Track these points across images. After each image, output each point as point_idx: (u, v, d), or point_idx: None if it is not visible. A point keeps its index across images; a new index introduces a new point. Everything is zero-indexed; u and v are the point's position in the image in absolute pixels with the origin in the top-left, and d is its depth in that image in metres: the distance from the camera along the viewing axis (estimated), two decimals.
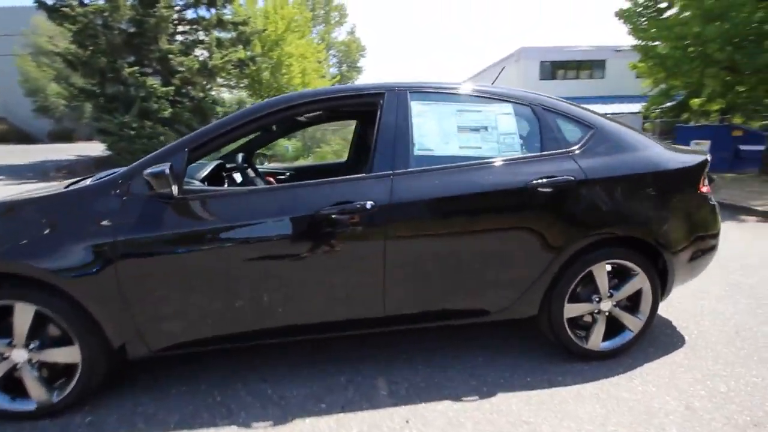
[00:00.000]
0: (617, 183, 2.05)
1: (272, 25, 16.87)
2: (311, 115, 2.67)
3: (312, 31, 23.84)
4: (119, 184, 1.80)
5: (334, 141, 14.33)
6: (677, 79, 11.34)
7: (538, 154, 2.03)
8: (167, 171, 1.67)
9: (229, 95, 17.07)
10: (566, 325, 2.12)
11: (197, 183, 2.09)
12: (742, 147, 11.67)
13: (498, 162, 1.97)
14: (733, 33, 9.70)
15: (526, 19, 77.78)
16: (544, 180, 1.95)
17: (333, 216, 1.79)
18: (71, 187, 1.93)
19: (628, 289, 2.16)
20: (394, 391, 1.98)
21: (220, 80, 15.61)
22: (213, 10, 14.63)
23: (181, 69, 13.76)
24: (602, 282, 2.12)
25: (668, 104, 17.89)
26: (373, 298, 1.91)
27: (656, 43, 11.08)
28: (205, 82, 14.36)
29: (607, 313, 2.17)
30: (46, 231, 1.71)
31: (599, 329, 2.17)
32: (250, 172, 2.52)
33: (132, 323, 1.78)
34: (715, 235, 2.31)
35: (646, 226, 2.07)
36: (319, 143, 14.39)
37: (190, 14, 14.78)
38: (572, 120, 2.13)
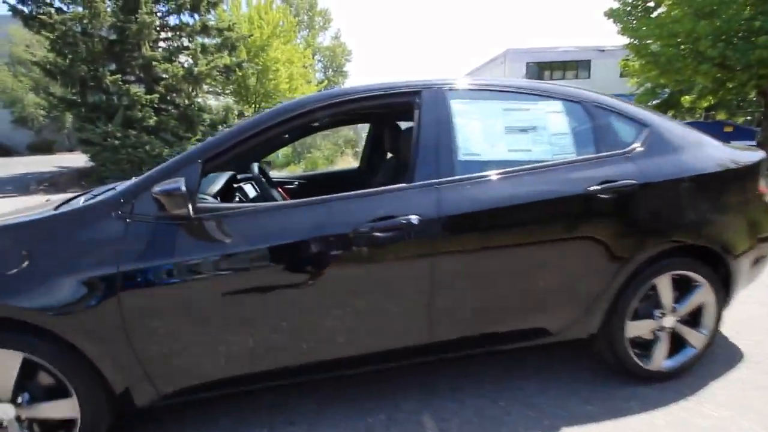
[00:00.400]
0: (681, 185, 1.84)
1: (257, 31, 16.56)
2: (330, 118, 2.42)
3: (297, 36, 23.54)
4: (121, 203, 1.53)
5: (325, 146, 14.07)
6: (670, 76, 11.38)
7: (594, 156, 1.82)
8: (182, 188, 1.41)
9: (215, 102, 16.67)
10: (628, 345, 1.91)
11: (210, 199, 1.83)
12: (733, 143, 11.76)
13: (552, 166, 1.75)
14: (725, 29, 9.76)
15: (513, 20, 78.62)
16: (605, 185, 1.74)
17: (374, 234, 1.55)
18: (62, 209, 1.65)
19: (693, 302, 1.96)
20: (444, 430, 1.73)
21: (205, 87, 15.23)
22: (197, 16, 14.28)
23: (165, 76, 13.37)
24: (666, 296, 1.92)
25: (654, 102, 18.11)
26: (419, 323, 1.67)
27: (648, 41, 11.10)
28: (190, 89, 13.96)
29: (670, 330, 1.96)
30: (32, 263, 1.43)
31: (662, 348, 1.96)
32: (265, 184, 2.23)
33: (138, 364, 1.50)
34: None
35: (713, 232, 1.87)
36: (310, 149, 14.09)
37: (173, 20, 14.41)
38: (626, 117, 1.93)
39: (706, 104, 15.17)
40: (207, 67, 13.54)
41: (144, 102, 12.44)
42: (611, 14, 12.32)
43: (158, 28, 13.82)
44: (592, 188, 1.73)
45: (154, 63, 13.04)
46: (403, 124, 2.88)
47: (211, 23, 14.35)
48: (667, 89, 15.84)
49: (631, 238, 1.77)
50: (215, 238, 1.53)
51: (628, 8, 12.23)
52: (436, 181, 1.63)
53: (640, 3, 12.11)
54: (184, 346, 1.54)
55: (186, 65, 13.97)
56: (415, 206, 1.58)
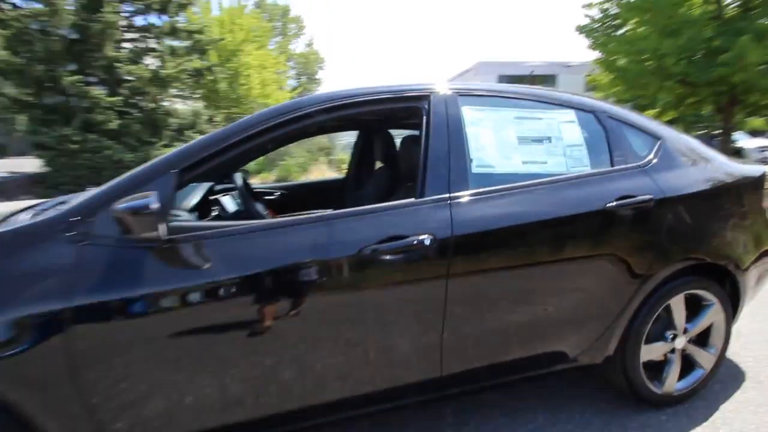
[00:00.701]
0: (697, 200, 1.77)
1: (230, 35, 16.15)
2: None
3: (270, 42, 23.18)
4: (73, 223, 1.25)
5: (299, 153, 13.74)
6: (637, 91, 11.83)
7: (610, 169, 1.71)
8: (153, 204, 1.16)
9: (183, 106, 16.06)
10: (641, 370, 1.80)
11: (186, 216, 1.59)
12: None
13: (568, 180, 1.63)
14: (687, 48, 10.24)
15: (484, 33, 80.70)
16: (624, 201, 1.63)
17: (382, 256, 1.37)
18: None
19: (704, 322, 1.88)
20: None
21: (173, 90, 14.65)
22: (165, 18, 13.75)
23: (129, 78, 12.78)
24: (679, 316, 1.83)
25: None
26: (429, 355, 1.49)
27: (616, 57, 11.51)
28: (156, 92, 13.38)
29: (681, 352, 1.87)
30: None
31: (674, 371, 1.87)
32: (249, 197, 1.98)
33: (88, 418, 1.24)
34: None
35: (727, 248, 1.81)
36: (283, 156, 13.72)
37: (140, 21, 13.82)
38: (638, 129, 1.84)
39: (667, 119, 15.88)
40: (175, 70, 13.06)
41: (106, 104, 11.80)
42: (582, 30, 12.75)
43: (123, 29, 13.23)
44: (611, 204, 1.61)
45: (117, 64, 12.43)
46: (394, 132, 2.73)
47: (181, 25, 13.86)
48: (630, 103, 16.54)
49: (650, 256, 1.67)
50: (194, 264, 1.29)
51: (597, 25, 12.70)
52: (449, 195, 1.47)
53: (608, 20, 12.60)
54: (149, 395, 1.28)
55: (153, 67, 13.42)
56: (427, 224, 1.41)
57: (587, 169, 1.69)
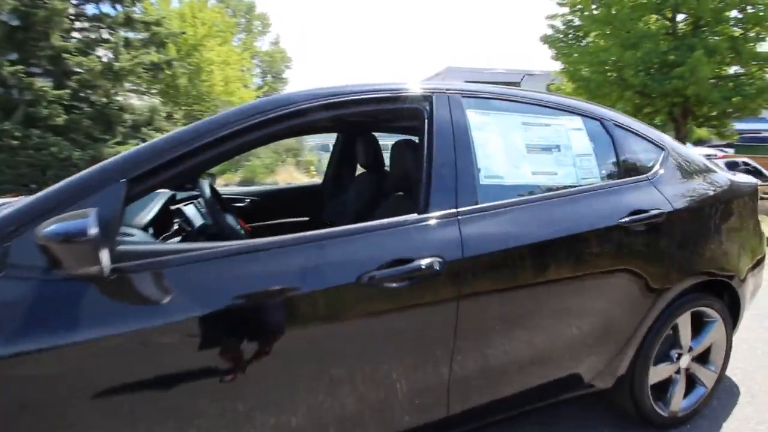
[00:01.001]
0: (703, 213, 1.71)
1: (191, 29, 15.42)
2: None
3: (234, 38, 22.41)
4: None
5: (265, 154, 13.29)
6: (598, 100, 12.25)
7: (619, 181, 1.61)
8: (91, 230, 0.89)
9: (139, 102, 15.16)
10: (649, 392, 1.71)
11: (139, 234, 1.33)
12: None
13: (579, 193, 1.51)
14: (645, 60, 10.71)
15: (453, 36, 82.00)
16: (637, 216, 1.53)
17: (384, 284, 1.17)
18: None
19: (708, 339, 1.82)
20: None
21: (128, 85, 13.79)
22: (119, 7, 12.91)
23: (79, 70, 11.90)
24: (686, 335, 1.76)
25: None
26: (435, 393, 1.31)
27: (580, 67, 11.87)
28: (109, 86, 12.52)
29: (685, 371, 1.80)
30: None
31: (679, 390, 1.80)
32: (218, 208, 1.65)
33: None
34: (764, 259, 2.10)
35: (731, 261, 1.77)
36: (248, 156, 13.21)
37: (91, 10, 12.91)
38: (643, 138, 1.76)
39: None
40: (130, 63, 12.27)
41: (51, 98, 10.90)
42: (546, 40, 13.08)
43: (72, 17, 12.31)
44: (624, 220, 1.51)
45: (65, 55, 11.53)
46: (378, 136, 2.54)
47: (137, 16, 13.07)
48: None
49: (664, 272, 1.59)
50: (150, 300, 1.02)
51: (561, 35, 13.08)
52: (457, 210, 1.29)
53: (571, 31, 13.00)
54: None
55: (105, 60, 12.57)
56: (434, 244, 1.24)
57: (597, 181, 1.58)
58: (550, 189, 1.47)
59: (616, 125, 1.70)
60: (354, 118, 1.91)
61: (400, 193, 1.86)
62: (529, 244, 1.35)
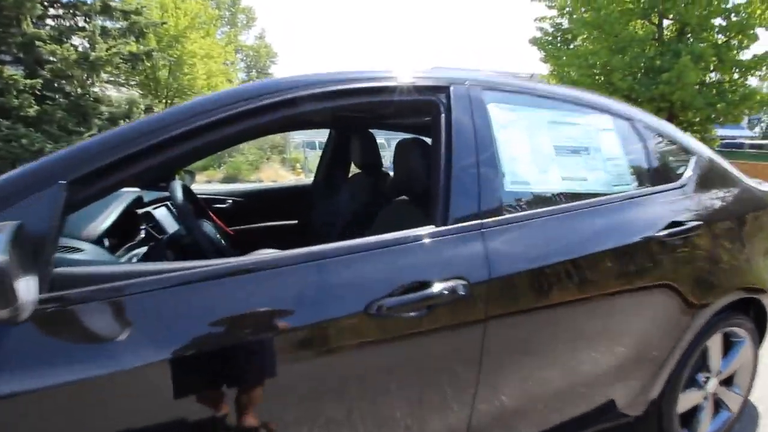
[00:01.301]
0: (737, 224, 1.58)
1: (172, 19, 14.91)
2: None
3: (218, 31, 21.86)
4: None
5: (249, 151, 12.93)
6: None
7: (653, 189, 1.44)
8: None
9: (117, 94, 14.59)
10: (677, 420, 1.55)
11: (89, 248, 1.10)
12: None
13: (613, 202, 1.33)
14: (633, 65, 10.79)
15: (441, 36, 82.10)
16: (675, 229, 1.36)
17: (399, 314, 0.97)
18: None
19: (737, 361, 1.68)
20: None
21: (105, 75, 13.28)
22: None
23: (52, 59, 11.37)
24: (716, 357, 1.61)
25: None
26: None
27: (568, 69, 11.89)
28: (84, 76, 11.99)
29: (712, 396, 1.66)
30: None
31: (707, 417, 1.66)
32: (192, 214, 1.41)
33: None
34: None
35: (761, 275, 1.63)
36: (232, 152, 12.84)
37: None
38: (673, 142, 1.60)
39: None
40: (107, 53, 11.77)
41: (22, 87, 10.36)
42: (535, 42, 13.08)
43: (45, 3, 11.74)
44: (662, 233, 1.34)
45: (38, 42, 10.98)
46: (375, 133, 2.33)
47: (115, 4, 12.55)
48: None
49: (701, 289, 1.44)
50: (99, 339, 0.79)
51: (549, 38, 13.10)
52: (481, 222, 1.10)
53: (559, 34, 13.03)
54: None
55: (81, 49, 12.03)
56: (456, 263, 1.04)
57: (629, 188, 1.41)
58: (580, 197, 1.29)
59: (646, 126, 1.54)
60: (354, 111, 1.69)
61: (403, 197, 1.65)
62: (563, 260, 1.17)
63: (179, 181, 1.48)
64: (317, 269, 0.95)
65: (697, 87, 10.89)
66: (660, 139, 1.57)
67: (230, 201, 2.38)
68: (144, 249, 1.38)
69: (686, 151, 1.62)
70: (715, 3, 10.46)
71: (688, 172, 1.56)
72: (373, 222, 1.71)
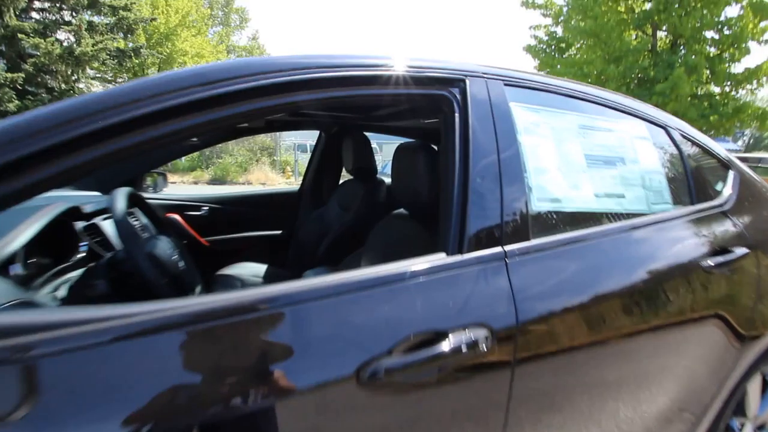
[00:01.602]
0: None
1: (162, 16, 14.61)
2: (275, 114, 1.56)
3: (210, 30, 21.55)
4: None
5: (238, 152, 12.63)
6: None
7: (694, 209, 1.24)
8: None
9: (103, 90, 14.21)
10: None
11: None
12: None
13: (653, 223, 1.13)
14: (627, 75, 10.76)
15: (432, 42, 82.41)
16: (722, 258, 1.16)
17: (401, 378, 0.74)
18: None
19: None
20: None
21: (91, 71, 12.92)
22: None
23: (35, 53, 11.01)
24: (754, 401, 1.41)
25: None
26: None
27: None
28: (69, 72, 11.64)
29: None
30: None
31: None
32: (138, 233, 1.18)
33: None
34: None
35: None
36: (220, 153, 12.53)
37: None
38: (710, 153, 1.41)
39: None
40: (93, 48, 11.43)
41: (3, 81, 10.00)
42: (529, 50, 13.02)
43: None
44: (709, 262, 1.13)
45: (20, 35, 10.63)
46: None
47: None
48: None
49: (748, 324, 1.24)
50: None
51: (543, 46, 13.07)
52: (505, 250, 0.88)
53: (554, 43, 13.00)
54: None
55: (66, 43, 11.70)
56: (476, 305, 0.81)
57: (668, 207, 1.20)
58: (618, 217, 1.08)
59: (682, 135, 1.34)
60: (341, 108, 1.45)
61: (401, 210, 1.43)
62: (603, 295, 0.96)
63: (125, 188, 1.21)
64: (290, 316, 0.69)
65: (689, 99, 10.90)
66: (697, 149, 1.37)
67: (206, 208, 2.14)
68: (78, 273, 1.11)
69: (724, 165, 1.43)
70: (708, 16, 10.50)
71: (728, 189, 1.37)
72: (365, 237, 1.49)
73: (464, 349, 0.75)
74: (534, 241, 0.91)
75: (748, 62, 11.24)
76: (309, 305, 0.70)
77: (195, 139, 1.88)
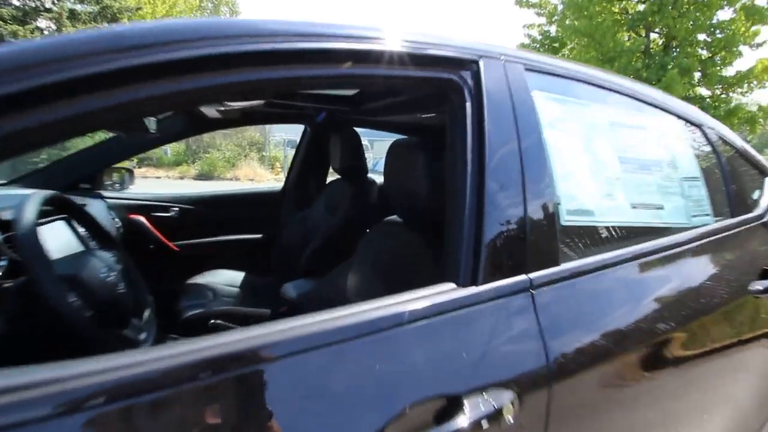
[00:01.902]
0: None
1: (148, 6, 14.20)
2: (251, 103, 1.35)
3: None
4: None
5: (227, 146, 12.32)
6: None
7: (733, 221, 1.07)
8: None
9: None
10: None
11: None
12: None
13: (696, 241, 0.95)
14: (620, 75, 10.72)
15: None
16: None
17: None
18: None
19: None
20: None
21: None
22: None
23: (13, 41, 10.60)
24: None
25: None
26: None
27: None
28: None
29: None
30: None
31: None
32: (38, 251, 0.81)
33: None
34: None
35: None
36: (207, 148, 12.20)
37: None
38: (746, 158, 1.25)
39: None
40: None
41: None
42: (522, 48, 12.94)
43: None
44: (757, 287, 0.97)
45: None
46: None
47: None
48: None
49: None
50: None
51: (537, 45, 12.99)
52: (530, 278, 0.69)
53: (547, 42, 12.94)
54: None
55: (46, 32, 11.31)
56: (497, 353, 0.62)
57: (709, 220, 1.03)
58: (656, 232, 0.90)
59: (718, 135, 1.17)
60: (333, 91, 1.24)
61: (395, 218, 1.23)
62: (648, 328, 0.78)
63: (41, 191, 0.97)
64: (249, 381, 0.49)
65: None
66: (733, 152, 1.21)
67: (176, 209, 1.91)
68: None
69: (761, 170, 1.27)
70: (701, 19, 10.50)
71: (765, 199, 1.20)
72: (354, 244, 1.30)
73: (485, 425, 0.55)
74: (564, 266, 0.73)
75: (739, 65, 11.27)
76: (269, 367, 0.50)
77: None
